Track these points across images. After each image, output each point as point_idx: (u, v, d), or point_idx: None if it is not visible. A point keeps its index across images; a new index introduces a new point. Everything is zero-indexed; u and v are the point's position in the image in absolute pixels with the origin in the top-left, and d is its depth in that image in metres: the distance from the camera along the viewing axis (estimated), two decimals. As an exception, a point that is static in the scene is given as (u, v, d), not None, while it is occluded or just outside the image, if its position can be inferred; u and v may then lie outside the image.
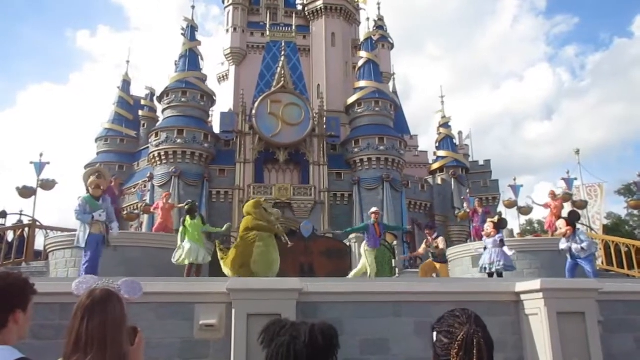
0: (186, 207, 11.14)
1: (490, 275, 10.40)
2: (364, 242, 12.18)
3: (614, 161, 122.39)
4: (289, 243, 9.75)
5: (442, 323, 1.72)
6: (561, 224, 10.43)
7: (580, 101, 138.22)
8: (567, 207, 17.25)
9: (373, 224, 12.07)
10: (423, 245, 12.86)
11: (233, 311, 5.73)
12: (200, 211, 16.94)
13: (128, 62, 47.06)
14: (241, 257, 8.66)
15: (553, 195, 15.74)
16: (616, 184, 45.70)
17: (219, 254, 9.52)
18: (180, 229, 10.80)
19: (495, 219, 12.07)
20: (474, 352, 1.61)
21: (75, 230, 9.52)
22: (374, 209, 12.71)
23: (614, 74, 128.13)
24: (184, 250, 10.46)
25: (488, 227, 10.95)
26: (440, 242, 12.45)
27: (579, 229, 10.57)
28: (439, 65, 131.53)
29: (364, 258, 12.06)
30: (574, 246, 9.99)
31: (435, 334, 1.72)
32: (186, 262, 10.41)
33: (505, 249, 10.53)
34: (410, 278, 13.21)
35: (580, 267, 10.23)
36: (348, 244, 17.57)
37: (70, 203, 77.25)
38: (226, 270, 8.90)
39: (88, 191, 8.79)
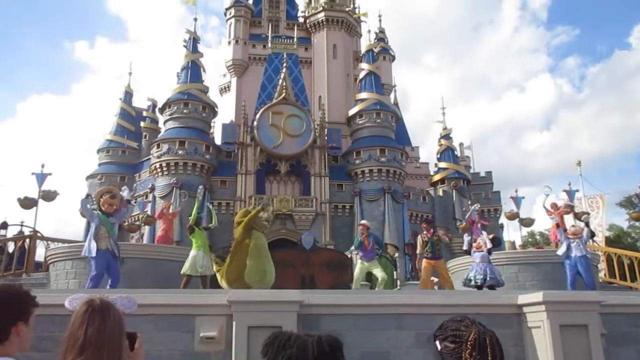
0: (190, 218, 11.36)
1: (479, 288, 10.40)
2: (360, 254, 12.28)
3: (615, 173, 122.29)
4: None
5: (445, 329, 1.71)
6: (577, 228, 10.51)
7: (578, 112, 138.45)
8: (569, 219, 17.22)
9: (362, 239, 12.09)
10: (419, 244, 12.35)
11: (234, 323, 5.71)
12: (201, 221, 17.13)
13: (130, 73, 46.73)
14: (235, 270, 8.68)
15: (555, 207, 15.62)
16: (617, 196, 45.72)
17: (215, 267, 9.54)
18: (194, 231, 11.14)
19: (492, 236, 11.85)
20: (488, 350, 1.60)
21: (76, 242, 9.57)
22: (361, 222, 12.65)
23: (612, 85, 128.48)
24: (189, 261, 10.63)
25: (481, 240, 10.90)
26: (442, 235, 12.29)
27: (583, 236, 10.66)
28: (438, 76, 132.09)
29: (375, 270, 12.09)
30: (578, 251, 10.07)
31: (438, 342, 1.70)
32: (188, 272, 10.49)
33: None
34: (412, 290, 13.16)
35: (581, 279, 10.21)
36: (349, 255, 17.54)
37: (71, 214, 77.30)
38: (222, 283, 8.92)
39: (100, 208, 9.03)
